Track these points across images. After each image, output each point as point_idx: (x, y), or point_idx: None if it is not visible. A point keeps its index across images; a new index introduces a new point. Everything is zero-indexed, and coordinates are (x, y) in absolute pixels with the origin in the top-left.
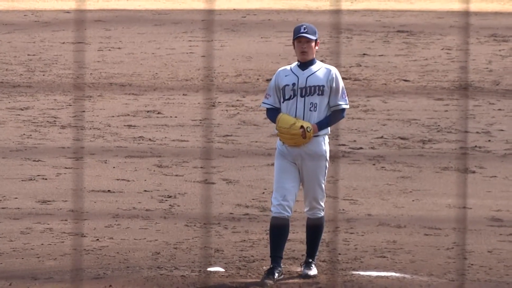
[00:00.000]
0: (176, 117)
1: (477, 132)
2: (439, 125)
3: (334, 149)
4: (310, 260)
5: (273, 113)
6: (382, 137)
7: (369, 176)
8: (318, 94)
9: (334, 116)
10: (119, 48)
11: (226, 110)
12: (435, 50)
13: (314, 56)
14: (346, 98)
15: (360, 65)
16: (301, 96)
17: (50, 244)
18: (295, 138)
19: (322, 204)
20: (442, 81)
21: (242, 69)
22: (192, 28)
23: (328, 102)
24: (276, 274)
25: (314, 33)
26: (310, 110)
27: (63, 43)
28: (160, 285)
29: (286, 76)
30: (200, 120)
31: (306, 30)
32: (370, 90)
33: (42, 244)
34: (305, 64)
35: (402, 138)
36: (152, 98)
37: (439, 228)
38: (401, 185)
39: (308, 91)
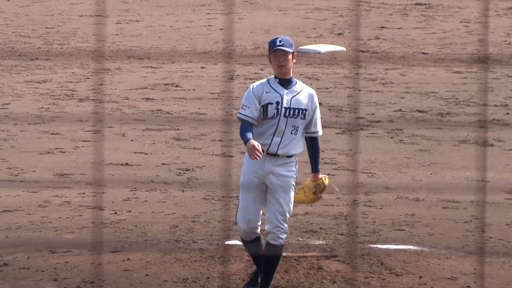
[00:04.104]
0: (194, 90)
1: (495, 105)
2: (457, 98)
3: (352, 122)
4: None
5: (246, 129)
6: (400, 110)
7: (387, 149)
8: (301, 118)
9: (315, 148)
10: (137, 21)
11: (245, 83)
12: (454, 22)
13: (291, 72)
14: (320, 124)
15: (379, 38)
16: (284, 116)
17: (68, 217)
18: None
19: (286, 225)
20: (460, 54)
21: (260, 42)
22: (211, 1)
23: (306, 126)
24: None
25: (290, 46)
26: (291, 133)
27: (81, 15)
28: (178, 259)
29: (267, 92)
30: (219, 93)
31: (282, 43)
32: (388, 63)
33: (60, 217)
34: (286, 82)
35: (420, 111)
36: (170, 71)
37: (457, 201)
38: (419, 158)
39: (292, 113)
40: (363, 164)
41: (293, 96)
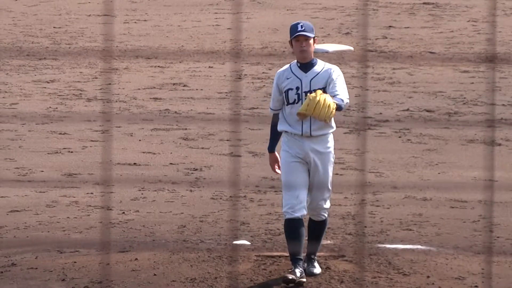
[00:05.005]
0: (202, 89)
1: (503, 105)
2: (465, 98)
3: (360, 122)
4: (313, 257)
5: (272, 129)
6: (408, 109)
7: (395, 148)
8: None
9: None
10: (145, 20)
11: (252, 83)
12: (461, 22)
13: (313, 55)
14: (347, 93)
15: (386, 37)
16: None
17: (76, 217)
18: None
19: (327, 201)
20: (468, 53)
21: (268, 42)
22: (218, 0)
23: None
24: (299, 274)
25: (311, 31)
26: None
27: (89, 15)
28: (186, 258)
29: (288, 78)
30: (226, 92)
31: (303, 28)
32: (396, 62)
33: (68, 217)
34: (306, 65)
35: (428, 111)
36: (178, 70)
37: (465, 201)
38: (427, 158)
39: None
40: (370, 163)
41: (313, 78)
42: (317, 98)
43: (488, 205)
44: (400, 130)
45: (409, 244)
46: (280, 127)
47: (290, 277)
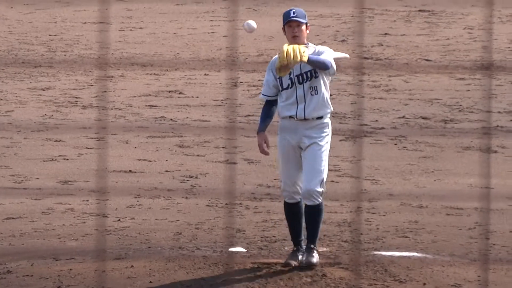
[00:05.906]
0: (197, 97)
1: (499, 112)
2: (461, 105)
3: (356, 129)
4: (312, 246)
5: (262, 114)
6: (404, 116)
7: (391, 156)
8: (315, 77)
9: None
10: (140, 28)
11: (248, 90)
12: (457, 29)
13: (306, 40)
14: (332, 60)
15: (382, 45)
16: (299, 83)
17: (72, 225)
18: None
19: (320, 189)
20: (464, 61)
21: (264, 49)
22: (214, 7)
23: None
24: (300, 256)
25: (304, 17)
26: (311, 94)
27: (85, 23)
28: (182, 266)
29: None
30: (222, 100)
31: (295, 14)
32: (391, 69)
33: (63, 224)
34: None
35: (424, 118)
36: (173, 78)
37: (461, 208)
38: (423, 165)
39: (305, 76)
40: (366, 171)
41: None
42: (284, 48)
43: (484, 212)
44: (396, 137)
45: (405, 251)
46: (280, 114)
47: (293, 264)
